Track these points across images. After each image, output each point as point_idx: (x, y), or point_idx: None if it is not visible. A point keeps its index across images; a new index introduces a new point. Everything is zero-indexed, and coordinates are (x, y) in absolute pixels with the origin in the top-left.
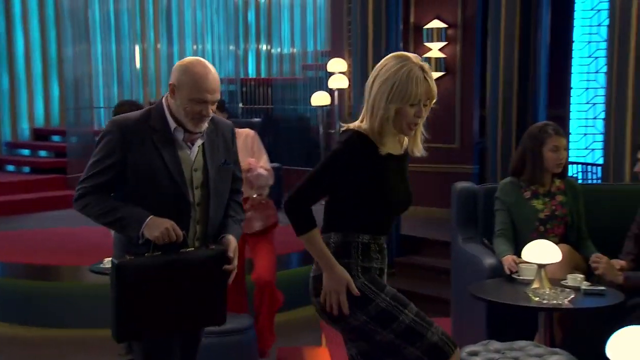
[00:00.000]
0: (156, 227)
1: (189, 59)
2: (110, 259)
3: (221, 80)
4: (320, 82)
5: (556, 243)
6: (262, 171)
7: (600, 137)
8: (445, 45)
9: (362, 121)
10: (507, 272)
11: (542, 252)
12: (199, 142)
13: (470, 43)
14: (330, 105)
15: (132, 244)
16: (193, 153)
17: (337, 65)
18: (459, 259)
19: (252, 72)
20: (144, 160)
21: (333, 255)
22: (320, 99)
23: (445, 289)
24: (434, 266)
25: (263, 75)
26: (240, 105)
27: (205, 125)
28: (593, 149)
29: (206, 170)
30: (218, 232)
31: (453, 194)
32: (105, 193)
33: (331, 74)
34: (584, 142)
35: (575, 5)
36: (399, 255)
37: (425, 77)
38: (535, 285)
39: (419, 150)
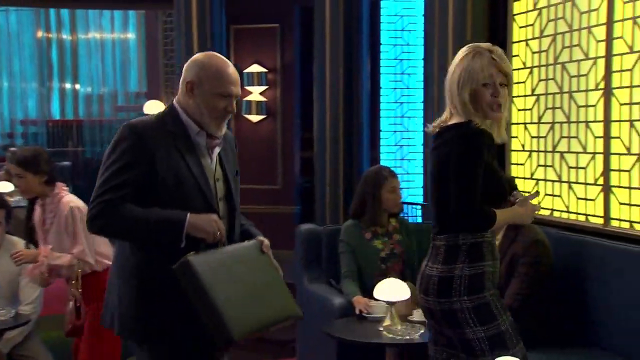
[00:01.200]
0: (203, 224)
1: (201, 54)
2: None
3: (24, 121)
4: None
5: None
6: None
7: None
8: (265, 89)
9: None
10: (358, 312)
11: (392, 290)
12: (217, 149)
13: (289, 87)
14: None
15: (151, 267)
16: (214, 162)
17: (155, 107)
18: (305, 299)
19: (56, 113)
20: (170, 170)
21: (466, 257)
22: None
23: (288, 330)
24: None
25: (69, 117)
26: (47, 148)
27: (225, 127)
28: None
29: (227, 180)
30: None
31: (298, 235)
32: (125, 206)
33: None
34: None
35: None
36: None
37: (492, 57)
38: (386, 322)
39: (502, 138)
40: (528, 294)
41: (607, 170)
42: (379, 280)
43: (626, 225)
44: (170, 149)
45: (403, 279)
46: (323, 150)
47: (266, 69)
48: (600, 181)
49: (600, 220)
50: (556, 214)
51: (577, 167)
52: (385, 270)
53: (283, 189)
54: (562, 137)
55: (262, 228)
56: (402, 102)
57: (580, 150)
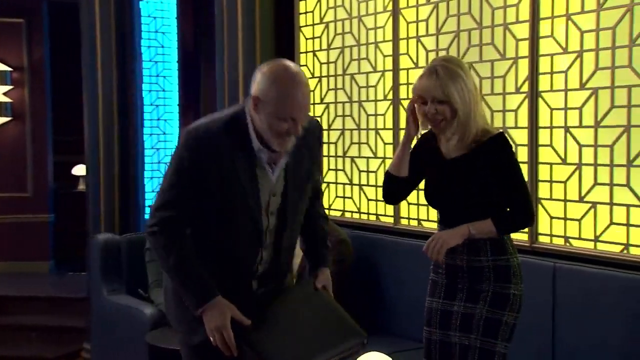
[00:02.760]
0: (213, 320)
1: (276, 64)
2: None
3: None
4: None
5: None
6: None
7: None
8: (10, 89)
9: None
10: None
11: None
12: (283, 162)
13: (39, 87)
14: None
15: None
16: (275, 176)
17: None
18: (107, 311)
19: None
20: (221, 183)
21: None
22: None
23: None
24: (34, 325)
25: None
26: None
27: (292, 143)
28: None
29: (285, 195)
30: (309, 258)
31: (94, 245)
32: (180, 236)
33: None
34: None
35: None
36: None
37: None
38: None
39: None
40: (334, 291)
41: None
42: None
43: (414, 223)
44: (226, 161)
45: None
46: (95, 156)
47: (10, 67)
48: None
49: (391, 220)
50: (347, 214)
51: (367, 171)
52: None
53: (34, 196)
54: (352, 143)
55: (10, 238)
56: (157, 105)
57: (371, 155)
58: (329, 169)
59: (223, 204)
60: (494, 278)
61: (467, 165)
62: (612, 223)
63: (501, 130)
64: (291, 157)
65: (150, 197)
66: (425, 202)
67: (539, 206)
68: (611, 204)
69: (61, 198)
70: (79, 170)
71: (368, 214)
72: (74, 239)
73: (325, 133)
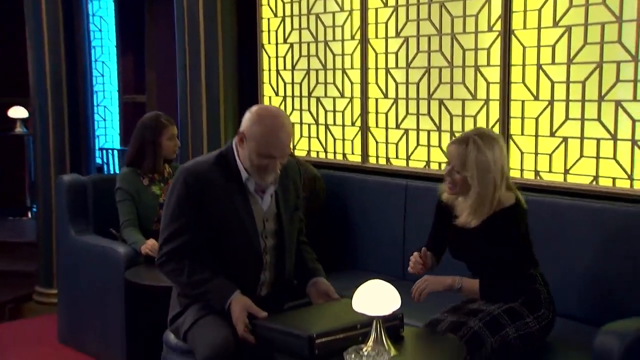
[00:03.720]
0: (234, 314)
1: (263, 107)
2: None
3: None
4: None
5: None
6: None
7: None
8: None
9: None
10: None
11: (377, 297)
12: (272, 189)
13: None
14: None
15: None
16: (265, 203)
17: None
18: (77, 252)
19: None
20: (217, 211)
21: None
22: None
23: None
24: None
25: None
26: None
27: (273, 177)
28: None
29: (279, 218)
30: (301, 275)
31: (59, 186)
32: (186, 258)
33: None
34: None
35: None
36: None
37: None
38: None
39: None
40: (307, 224)
41: (364, 113)
42: (158, 227)
43: (383, 161)
44: (220, 191)
45: None
46: (43, 97)
47: None
48: (358, 123)
49: (358, 158)
50: (313, 154)
51: (334, 111)
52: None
53: None
54: (318, 83)
55: None
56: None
57: (338, 95)
58: (292, 109)
59: (222, 230)
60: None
61: (480, 234)
62: (582, 156)
63: (517, 200)
64: (279, 186)
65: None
66: (394, 141)
67: (510, 142)
68: (582, 138)
69: None
70: (16, 112)
71: (335, 153)
72: (12, 183)
73: (288, 73)
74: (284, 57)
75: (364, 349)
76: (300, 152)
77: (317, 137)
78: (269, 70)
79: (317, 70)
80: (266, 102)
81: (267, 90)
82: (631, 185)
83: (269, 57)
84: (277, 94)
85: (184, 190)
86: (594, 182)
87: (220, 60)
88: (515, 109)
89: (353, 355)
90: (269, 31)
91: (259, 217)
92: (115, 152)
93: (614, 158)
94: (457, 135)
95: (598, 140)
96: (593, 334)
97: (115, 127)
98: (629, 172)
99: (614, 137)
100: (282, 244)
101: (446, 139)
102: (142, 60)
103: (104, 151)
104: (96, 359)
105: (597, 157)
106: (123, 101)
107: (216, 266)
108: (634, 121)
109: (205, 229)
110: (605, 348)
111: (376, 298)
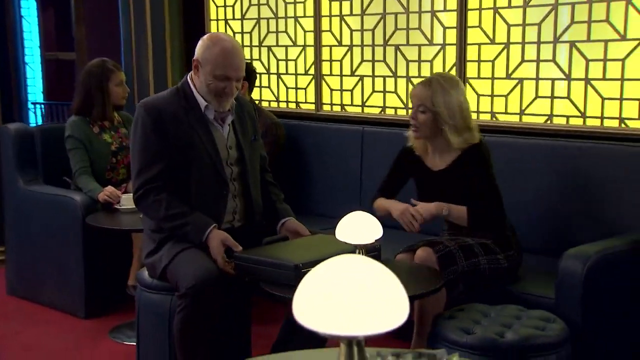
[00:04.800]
0: (212, 248)
1: (213, 33)
2: None
3: None
4: None
5: (127, 173)
6: None
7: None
8: None
9: None
10: (107, 201)
11: (359, 226)
12: (230, 119)
13: None
14: None
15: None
16: (225, 131)
17: None
18: (30, 202)
19: None
20: (182, 140)
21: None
22: None
23: None
24: None
25: None
26: None
27: (230, 103)
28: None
29: (240, 147)
30: (271, 217)
31: (5, 135)
32: (164, 191)
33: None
34: None
35: None
36: None
37: None
38: None
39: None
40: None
41: (318, 61)
42: (110, 175)
43: (337, 108)
44: (182, 120)
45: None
46: None
47: None
48: (312, 71)
49: (312, 106)
50: (265, 103)
51: (286, 60)
52: (115, 163)
53: None
54: (269, 32)
55: None
56: None
57: (290, 44)
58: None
59: (188, 159)
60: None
61: (451, 178)
62: (537, 97)
63: (480, 139)
64: (236, 117)
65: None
66: (349, 88)
67: (467, 85)
68: (537, 79)
69: None
70: None
71: (287, 102)
72: None
73: (237, 23)
74: (233, 7)
75: None
76: None
77: (269, 87)
78: (217, 20)
79: (267, 19)
80: None
81: None
82: (584, 122)
83: (217, 7)
84: None
85: (148, 121)
86: (549, 121)
87: (167, 12)
88: (471, 53)
89: None
90: None
91: (221, 145)
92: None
93: (568, 97)
94: (414, 80)
95: (553, 80)
96: (554, 263)
97: (38, 84)
98: (582, 110)
99: (568, 77)
100: (245, 172)
101: (402, 85)
102: (67, 15)
103: (36, 105)
104: (53, 308)
105: (552, 97)
106: (46, 58)
107: (189, 197)
108: (587, 61)
109: (173, 157)
110: (569, 271)
111: (359, 228)
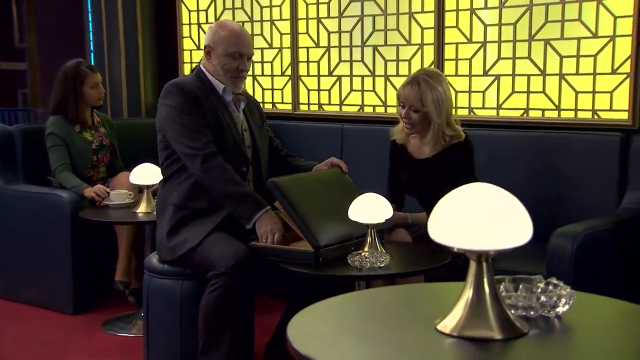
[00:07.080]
0: (266, 225)
1: (219, 21)
2: None
3: None
4: None
5: (106, 171)
6: None
7: None
8: None
9: None
10: (96, 199)
11: (371, 208)
12: (243, 104)
13: None
14: None
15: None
16: (240, 114)
17: None
18: (15, 201)
19: None
20: (212, 119)
21: None
22: None
23: None
24: None
25: None
26: None
27: (243, 83)
28: None
29: (252, 132)
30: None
31: None
32: (221, 164)
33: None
34: None
35: None
36: None
37: None
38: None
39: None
40: None
41: (295, 63)
42: (91, 173)
43: (315, 108)
44: (209, 102)
45: (112, 169)
46: None
47: None
48: (288, 72)
49: (289, 107)
50: None
51: (262, 62)
52: (96, 161)
53: None
54: None
55: None
56: None
57: (266, 46)
58: None
59: (218, 137)
60: None
61: (435, 165)
62: (514, 92)
63: (466, 136)
64: (245, 105)
65: None
66: (326, 88)
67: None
68: (513, 75)
69: None
70: None
71: (263, 102)
72: None
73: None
74: (206, 11)
75: (362, 254)
76: None
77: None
78: (189, 24)
79: (242, 23)
80: (186, 56)
81: (188, 44)
82: (559, 114)
83: (189, 11)
84: (198, 48)
85: (180, 98)
86: (525, 115)
87: (139, 16)
88: (449, 52)
89: (357, 259)
90: None
91: (239, 127)
92: None
93: (543, 92)
94: (392, 79)
95: (528, 76)
96: (539, 247)
97: None
98: (557, 104)
99: (543, 73)
100: (257, 155)
101: (380, 83)
102: (9, 23)
103: None
104: (37, 306)
105: (528, 92)
106: None
107: None
108: (561, 57)
109: (210, 133)
110: (559, 248)
111: (371, 208)
